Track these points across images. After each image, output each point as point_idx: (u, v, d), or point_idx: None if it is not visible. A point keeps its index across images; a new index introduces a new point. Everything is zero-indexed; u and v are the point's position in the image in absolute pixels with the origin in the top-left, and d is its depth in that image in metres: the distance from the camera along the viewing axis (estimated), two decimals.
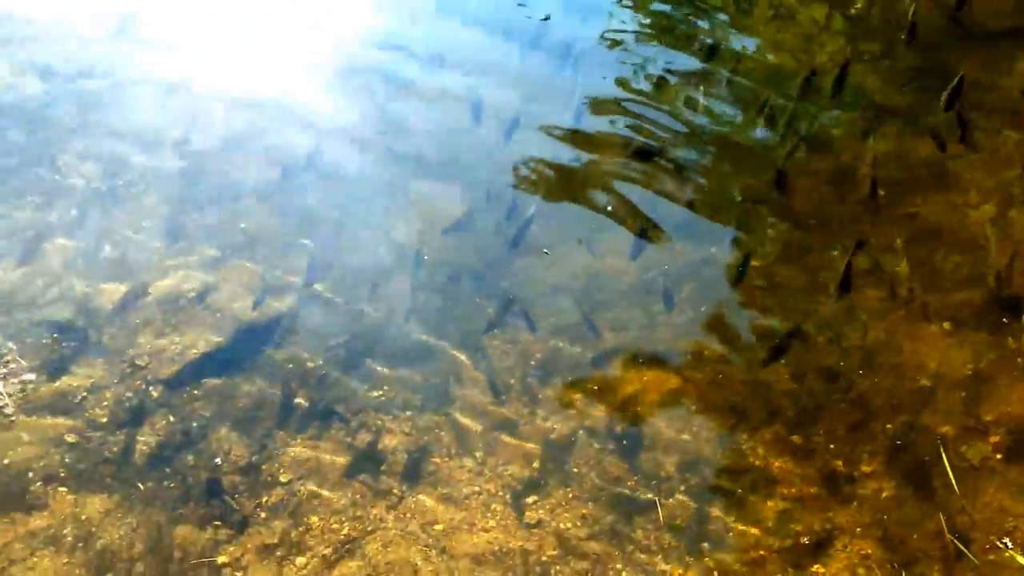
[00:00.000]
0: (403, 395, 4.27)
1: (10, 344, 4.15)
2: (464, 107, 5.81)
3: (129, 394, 4.09)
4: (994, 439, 3.98)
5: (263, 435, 4.06)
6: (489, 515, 3.88)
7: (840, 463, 4.02)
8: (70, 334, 4.27)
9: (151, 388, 4.13)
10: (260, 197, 5.13)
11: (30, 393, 3.99)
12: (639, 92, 5.99)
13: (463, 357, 4.43)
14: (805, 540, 3.77)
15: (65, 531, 3.60)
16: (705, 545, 3.76)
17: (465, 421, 4.20)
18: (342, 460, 4.02)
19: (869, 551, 3.72)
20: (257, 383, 4.25)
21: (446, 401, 4.27)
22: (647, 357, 4.44)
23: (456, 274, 4.82)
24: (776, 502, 3.90)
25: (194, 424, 4.04)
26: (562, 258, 4.92)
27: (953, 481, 3.81)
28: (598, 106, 5.89)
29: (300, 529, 3.76)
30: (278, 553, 3.67)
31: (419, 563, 3.68)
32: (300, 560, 3.66)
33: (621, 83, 6.08)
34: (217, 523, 3.72)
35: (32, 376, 4.04)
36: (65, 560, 3.52)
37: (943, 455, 3.90)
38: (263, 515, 3.79)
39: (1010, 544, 3.63)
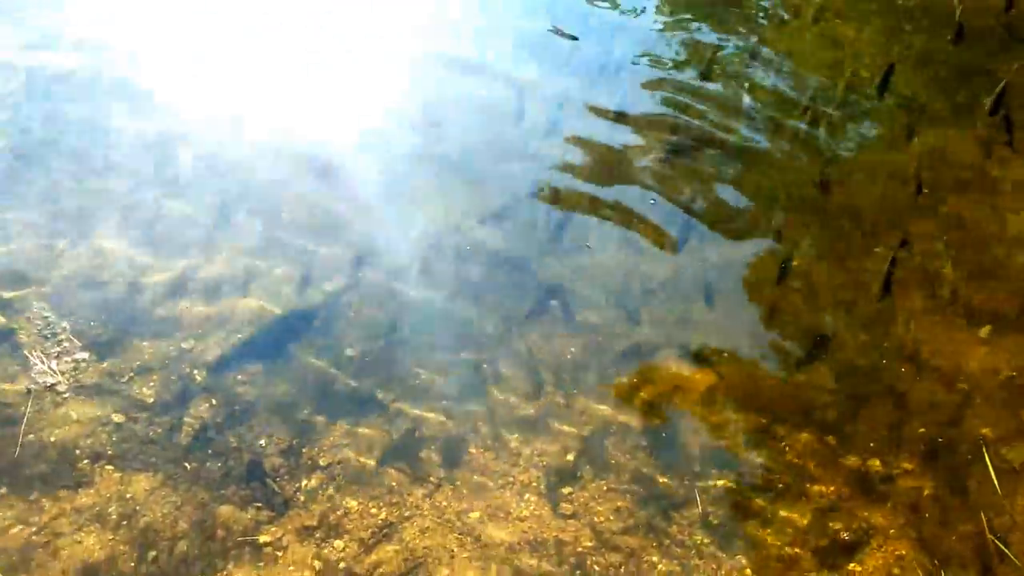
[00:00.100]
0: (440, 384, 4.32)
1: (64, 324, 4.25)
2: (508, 101, 5.86)
3: (174, 377, 4.17)
4: None
5: (303, 420, 4.12)
6: (524, 505, 3.92)
7: (877, 463, 4.02)
8: (119, 316, 4.37)
9: (195, 371, 4.21)
10: (303, 186, 5.21)
11: (81, 372, 4.09)
12: (681, 89, 5.98)
13: (501, 348, 4.47)
14: (840, 539, 3.77)
15: (111, 508, 3.69)
16: (740, 542, 3.77)
17: (501, 411, 4.23)
18: (380, 447, 4.08)
19: (904, 551, 3.71)
20: (298, 369, 4.32)
21: (483, 391, 4.31)
22: (685, 353, 4.45)
23: (495, 265, 4.86)
24: (812, 500, 3.91)
25: (236, 407, 4.12)
26: (602, 252, 4.94)
27: (996, 482, 3.79)
28: (641, 100, 5.90)
29: (339, 512, 3.82)
30: (317, 535, 3.73)
31: (455, 550, 3.73)
32: (338, 543, 3.72)
33: (664, 79, 6.08)
34: (258, 504, 3.79)
35: (84, 355, 4.14)
36: (110, 536, 3.61)
37: (985, 456, 3.88)
38: (302, 498, 3.86)
39: None
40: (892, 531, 3.77)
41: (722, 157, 5.51)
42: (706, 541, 3.77)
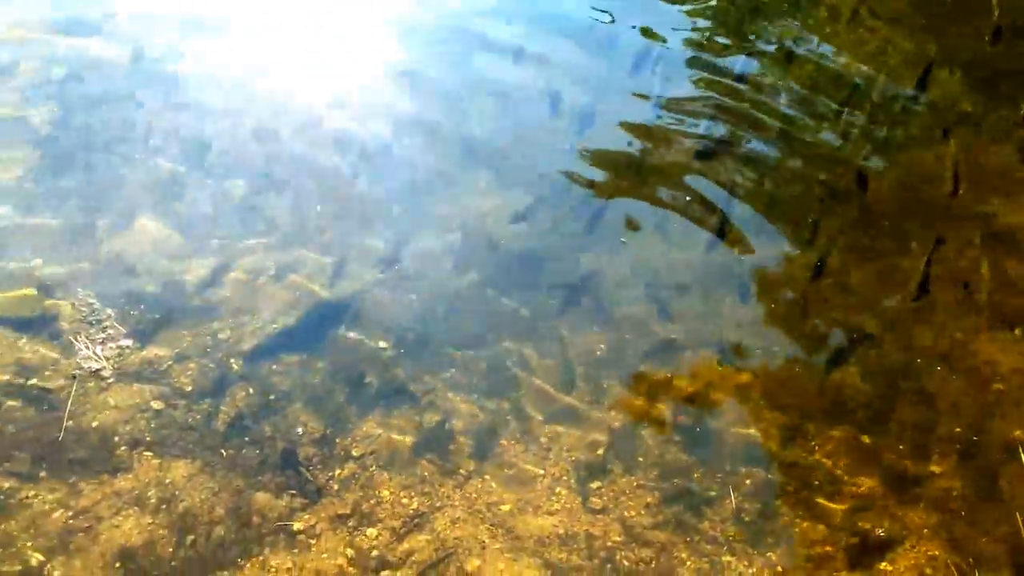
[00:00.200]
0: (472, 377, 4.35)
1: (108, 310, 4.34)
2: (541, 95, 5.88)
3: (211, 365, 4.24)
4: None
5: (336, 410, 4.18)
6: (554, 499, 3.94)
7: (909, 463, 4.00)
8: (158, 304, 4.45)
9: (232, 360, 4.27)
10: (336, 181, 5.27)
11: (125, 359, 4.17)
12: (718, 85, 5.99)
13: (532, 342, 4.50)
14: (872, 538, 3.76)
15: (149, 493, 3.76)
16: (770, 540, 3.77)
17: (532, 405, 4.26)
18: (411, 438, 4.12)
19: (937, 552, 3.70)
20: (331, 360, 4.37)
21: (514, 385, 4.34)
22: (717, 349, 4.46)
23: (528, 258, 4.89)
24: (843, 500, 3.90)
25: (271, 397, 4.18)
26: (636, 248, 4.96)
27: None
28: (678, 94, 5.91)
29: (371, 502, 3.87)
30: (350, 523, 3.78)
31: (486, 541, 3.76)
32: (370, 531, 3.76)
33: (702, 74, 6.09)
34: (293, 492, 3.85)
35: (128, 342, 4.22)
36: (149, 521, 3.68)
37: (1021, 456, 3.85)
38: (336, 487, 3.90)
39: None
40: (925, 531, 3.76)
41: (758, 152, 5.51)
42: (737, 538, 3.77)
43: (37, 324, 4.25)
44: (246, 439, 4.00)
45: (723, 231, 5.00)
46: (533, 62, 6.21)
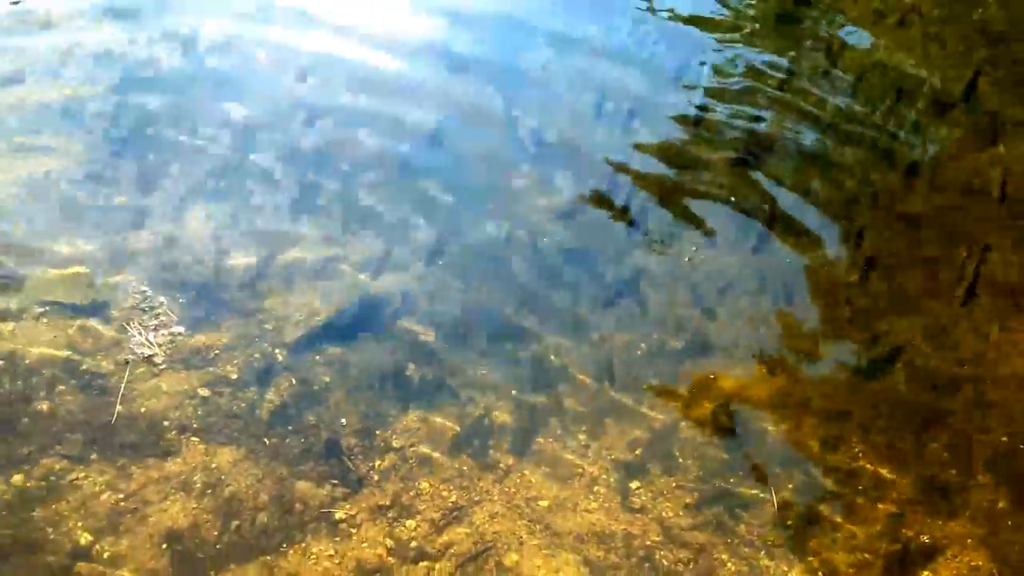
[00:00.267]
0: (512, 373, 4.38)
1: (161, 298, 4.43)
2: (590, 89, 5.90)
3: (257, 355, 4.31)
4: None
5: (377, 402, 4.22)
6: (592, 497, 3.96)
7: (953, 472, 3.96)
8: (207, 294, 4.52)
9: (276, 351, 4.34)
10: (382, 173, 5.32)
11: (177, 346, 4.25)
12: (764, 86, 5.96)
13: (574, 339, 4.52)
14: (913, 547, 3.74)
15: (196, 478, 3.83)
16: (810, 544, 3.76)
17: (571, 402, 4.28)
18: (451, 431, 4.15)
19: (979, 562, 3.67)
20: (373, 352, 4.42)
21: (555, 381, 4.36)
22: (758, 353, 4.44)
23: (571, 257, 4.91)
24: (885, 507, 3.88)
25: (315, 387, 4.23)
26: (678, 248, 4.95)
27: None
28: (723, 96, 5.90)
29: (411, 493, 3.91)
30: (390, 514, 3.83)
31: (524, 536, 3.79)
32: (410, 523, 3.80)
33: (746, 75, 6.07)
34: (334, 481, 3.90)
35: (180, 329, 4.30)
36: (195, 505, 3.75)
37: None
38: (376, 477, 3.95)
39: None
40: (968, 540, 3.72)
41: (804, 156, 5.48)
42: (776, 542, 3.77)
43: (89, 309, 4.34)
44: (289, 428, 4.07)
45: (768, 231, 4.98)
46: (582, 55, 6.22)
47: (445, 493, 3.93)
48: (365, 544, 3.71)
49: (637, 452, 4.11)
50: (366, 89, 5.84)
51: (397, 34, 6.33)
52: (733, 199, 5.18)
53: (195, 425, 4.00)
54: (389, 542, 3.73)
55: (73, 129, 5.32)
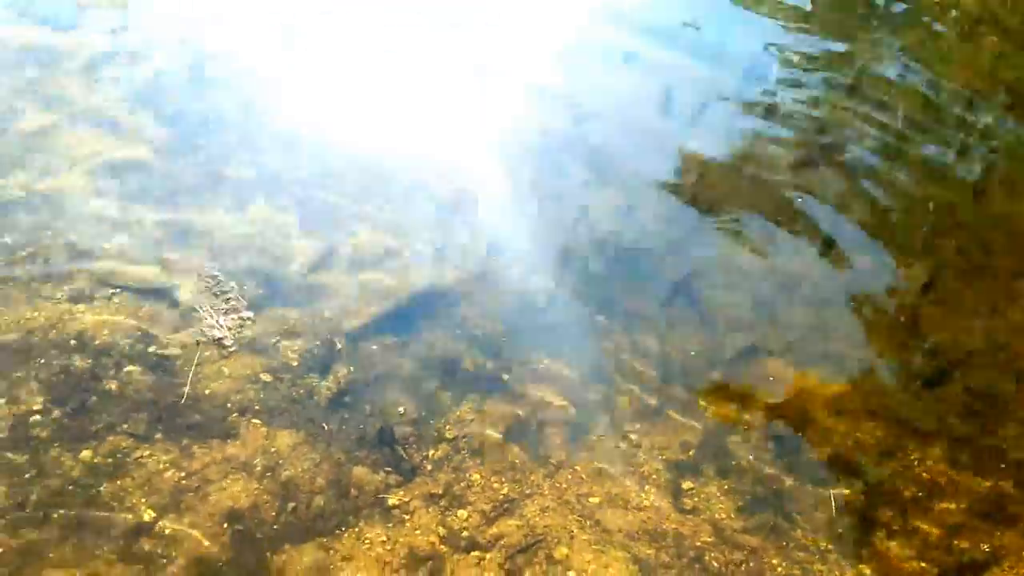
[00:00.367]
0: (565, 370, 4.41)
1: (232, 283, 4.55)
2: (651, 97, 5.91)
3: (317, 342, 4.39)
4: None
5: (431, 393, 4.28)
6: (644, 495, 3.97)
7: (1010, 483, 3.89)
8: (270, 282, 4.62)
9: (336, 339, 4.42)
10: (442, 171, 5.38)
11: (246, 329, 4.36)
12: (831, 92, 5.92)
13: (628, 339, 4.53)
14: (968, 557, 3.68)
15: (256, 460, 3.92)
16: (864, 552, 3.73)
17: (624, 401, 4.30)
18: (503, 425, 4.19)
19: None
20: (429, 343, 4.48)
21: (607, 380, 4.38)
22: (817, 358, 4.42)
23: (629, 254, 4.93)
24: (941, 516, 3.82)
25: (371, 376, 4.31)
26: (740, 249, 4.94)
27: None
28: (790, 101, 5.87)
29: (462, 484, 3.96)
30: (442, 503, 3.88)
31: (575, 531, 3.81)
32: (462, 512, 3.85)
33: (813, 81, 6.03)
34: (388, 468, 3.97)
35: (250, 314, 4.42)
36: (255, 486, 3.84)
37: None
38: (429, 467, 4.01)
39: None
40: None
41: (870, 162, 5.43)
42: (829, 547, 3.74)
43: (158, 293, 4.47)
44: (346, 415, 4.14)
45: (831, 240, 4.93)
46: (644, 64, 6.23)
47: (496, 485, 3.98)
48: (418, 531, 3.77)
49: (690, 452, 4.11)
50: (428, 95, 5.91)
51: (460, 45, 6.38)
52: (795, 206, 5.14)
53: (257, 408, 4.10)
54: (441, 530, 3.78)
55: (145, 122, 5.47)
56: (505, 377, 4.37)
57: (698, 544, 3.77)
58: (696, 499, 3.93)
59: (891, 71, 6.09)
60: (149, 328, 4.30)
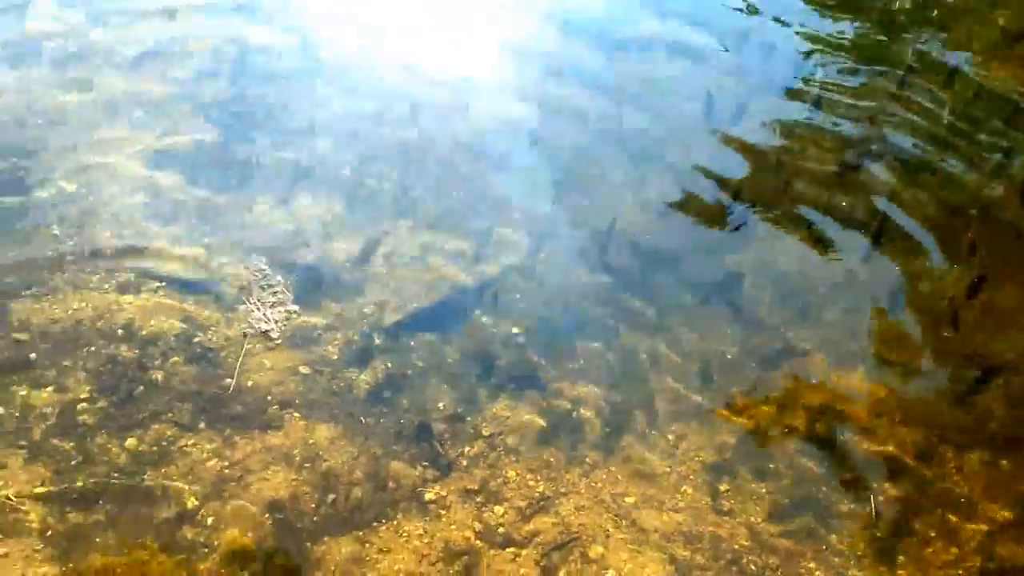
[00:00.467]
0: (602, 369, 4.42)
1: (278, 277, 4.62)
2: (695, 92, 5.92)
3: (356, 338, 4.45)
4: None
5: (468, 390, 4.32)
6: (680, 496, 3.97)
7: None
8: (312, 277, 4.69)
9: (375, 335, 4.48)
10: (481, 169, 5.43)
11: (292, 322, 4.43)
12: (874, 96, 5.90)
13: (664, 338, 4.54)
14: (1008, 565, 3.65)
15: (296, 451, 3.99)
16: (901, 557, 3.70)
17: (660, 401, 4.30)
18: (539, 423, 4.21)
19: None
20: (466, 342, 4.52)
21: (643, 380, 4.38)
22: (856, 362, 4.39)
23: (667, 254, 4.93)
24: (978, 525, 3.79)
25: (409, 372, 4.35)
26: (781, 250, 4.92)
27: None
28: (837, 103, 5.86)
29: (498, 480, 3.99)
30: (478, 499, 3.91)
31: (610, 530, 3.82)
32: (498, 508, 3.88)
33: (856, 85, 6.01)
34: (425, 463, 4.01)
35: (296, 308, 4.49)
36: (294, 477, 3.90)
37: None
38: (465, 463, 4.04)
39: None
40: None
41: (915, 162, 5.40)
42: (866, 553, 3.72)
43: (204, 286, 4.55)
44: (384, 409, 4.19)
45: (875, 240, 4.91)
46: (689, 59, 6.26)
47: (532, 483, 4.00)
48: (454, 526, 3.81)
49: (727, 455, 4.10)
50: (468, 90, 5.97)
51: (501, 37, 6.45)
52: (838, 206, 5.12)
53: (296, 401, 4.16)
54: (477, 525, 3.81)
55: (189, 117, 5.58)
56: (542, 376, 4.40)
57: (735, 547, 3.77)
58: (733, 501, 3.93)
59: (941, 72, 6.05)
60: (195, 319, 4.38)
